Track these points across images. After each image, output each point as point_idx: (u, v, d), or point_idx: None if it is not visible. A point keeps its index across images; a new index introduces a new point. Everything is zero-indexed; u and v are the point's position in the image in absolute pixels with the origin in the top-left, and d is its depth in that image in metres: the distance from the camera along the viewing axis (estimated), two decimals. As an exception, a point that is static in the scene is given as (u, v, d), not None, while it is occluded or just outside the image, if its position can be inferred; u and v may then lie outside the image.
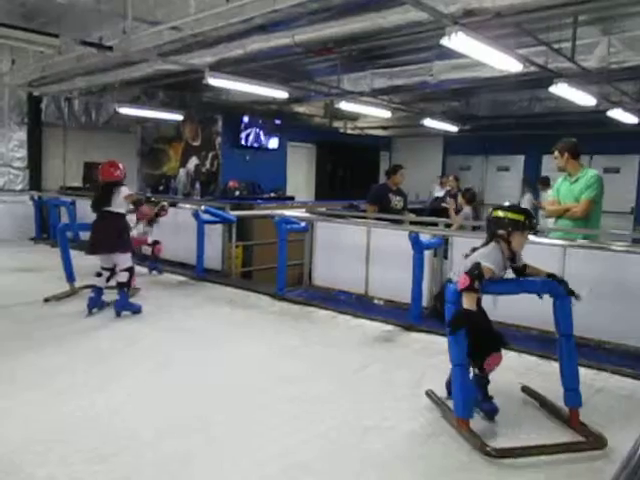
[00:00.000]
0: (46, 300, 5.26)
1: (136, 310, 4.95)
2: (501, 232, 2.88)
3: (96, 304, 4.93)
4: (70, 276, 5.57)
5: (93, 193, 4.98)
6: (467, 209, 7.90)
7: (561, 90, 6.38)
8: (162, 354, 3.96)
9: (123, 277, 4.91)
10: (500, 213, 2.93)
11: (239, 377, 3.57)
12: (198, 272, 6.66)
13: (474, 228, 6.64)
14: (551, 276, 2.87)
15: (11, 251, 8.23)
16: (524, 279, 2.96)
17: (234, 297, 5.83)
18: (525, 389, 3.29)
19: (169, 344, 4.21)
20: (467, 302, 2.71)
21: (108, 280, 5.01)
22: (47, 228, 9.38)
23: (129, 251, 5.04)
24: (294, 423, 2.92)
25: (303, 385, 3.44)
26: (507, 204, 3.06)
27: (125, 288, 4.92)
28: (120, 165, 5.05)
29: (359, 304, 5.47)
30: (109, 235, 4.89)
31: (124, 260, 4.94)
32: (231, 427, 2.88)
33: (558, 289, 2.80)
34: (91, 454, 2.54)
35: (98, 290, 4.95)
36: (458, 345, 2.75)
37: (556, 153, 4.90)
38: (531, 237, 4.95)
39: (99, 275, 4.97)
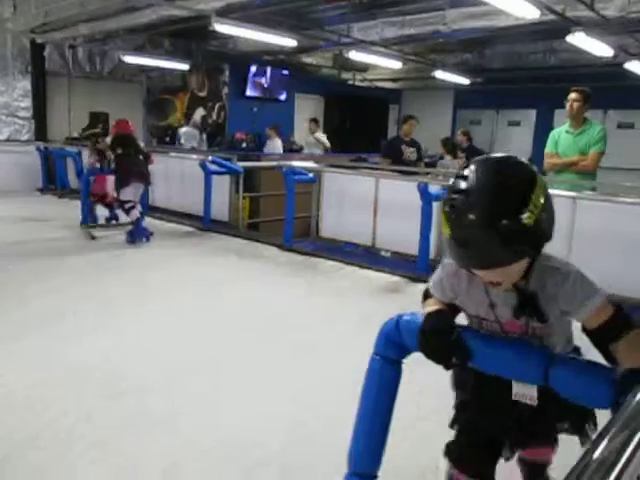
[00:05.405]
0: (93, 238, 5.89)
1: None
2: None
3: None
4: (86, 218, 6.14)
5: (114, 141, 5.82)
6: (447, 159, 7.82)
7: (578, 40, 6.19)
8: (170, 300, 4.00)
9: (137, 213, 5.69)
10: None
11: (246, 323, 3.60)
12: (205, 223, 6.67)
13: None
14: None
15: (19, 201, 8.24)
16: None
17: (241, 247, 5.86)
18: None
19: (177, 290, 4.25)
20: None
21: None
22: (53, 179, 9.36)
23: None
24: (301, 369, 2.96)
25: (309, 333, 3.47)
26: None
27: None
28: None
29: (366, 255, 5.48)
30: (146, 171, 5.81)
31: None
32: (239, 370, 2.92)
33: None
34: (103, 392, 2.60)
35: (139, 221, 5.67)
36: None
37: (578, 96, 4.60)
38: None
39: (130, 209, 5.60)
